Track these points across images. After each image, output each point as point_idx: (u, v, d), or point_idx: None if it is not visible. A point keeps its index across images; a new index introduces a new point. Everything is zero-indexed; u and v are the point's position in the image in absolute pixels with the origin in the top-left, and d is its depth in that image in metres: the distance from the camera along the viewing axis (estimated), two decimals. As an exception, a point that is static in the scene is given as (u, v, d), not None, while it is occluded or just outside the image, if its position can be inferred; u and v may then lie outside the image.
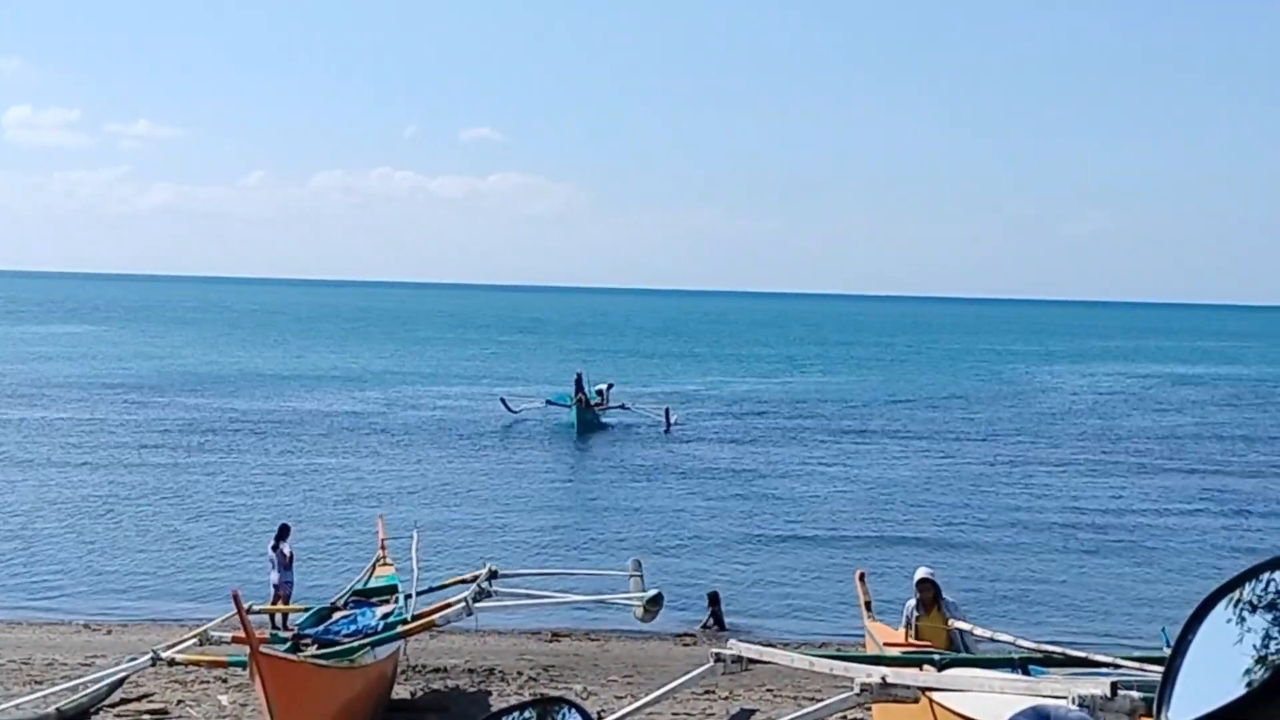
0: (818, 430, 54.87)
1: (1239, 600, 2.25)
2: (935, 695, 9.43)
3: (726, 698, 15.55)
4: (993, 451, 49.82)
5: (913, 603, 14.07)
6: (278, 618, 18.31)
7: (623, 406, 55.39)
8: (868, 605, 15.11)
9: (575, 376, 54.04)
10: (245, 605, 11.53)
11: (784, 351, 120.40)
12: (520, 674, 17.35)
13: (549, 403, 54.38)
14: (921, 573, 14.28)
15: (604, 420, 53.67)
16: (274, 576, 21.14)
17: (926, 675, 9.90)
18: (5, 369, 72.96)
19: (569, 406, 51.92)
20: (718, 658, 10.05)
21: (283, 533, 21.80)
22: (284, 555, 21.21)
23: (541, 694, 15.60)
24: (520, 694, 15.90)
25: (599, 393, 55.72)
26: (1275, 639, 2.10)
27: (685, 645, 20.91)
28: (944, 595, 14.11)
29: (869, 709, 11.90)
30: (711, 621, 22.54)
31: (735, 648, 10.22)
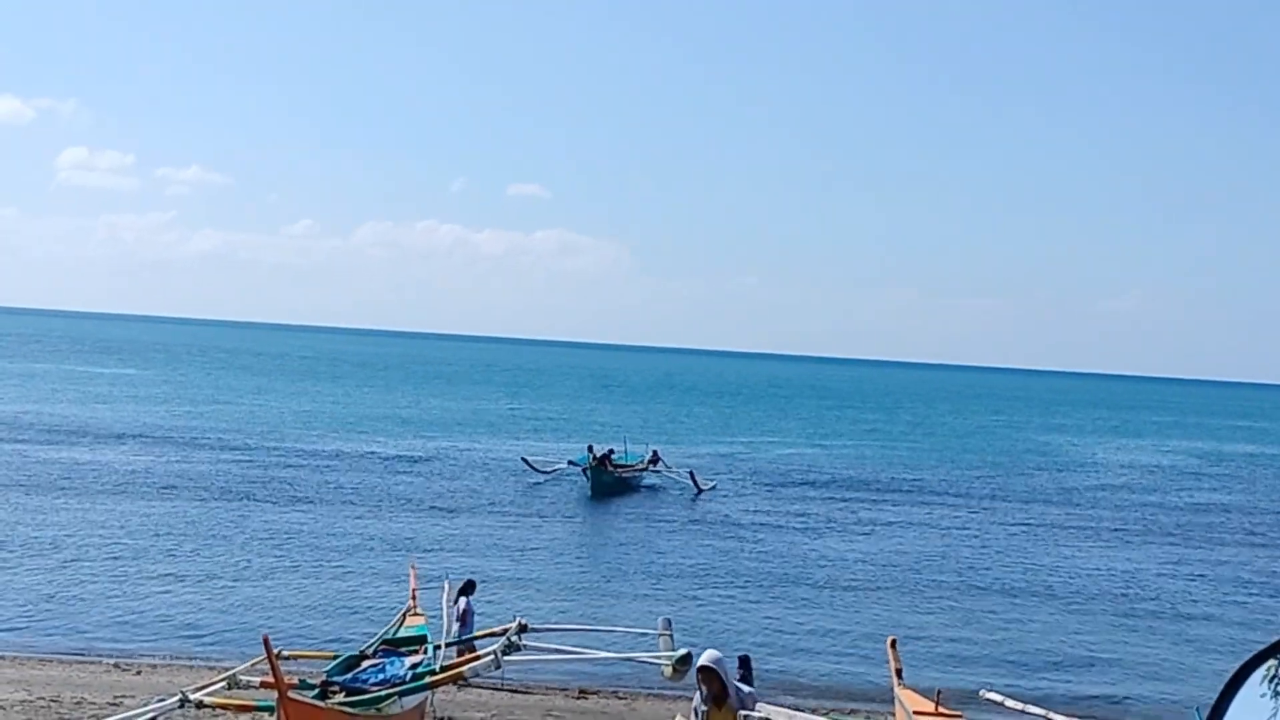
0: (851, 495, 54.74)
1: (1274, 675, 2.27)
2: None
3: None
4: (1025, 519, 49.69)
5: (698, 697, 11.59)
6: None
7: (652, 469, 55.27)
8: (899, 672, 15.00)
9: (608, 449, 53.60)
10: (275, 651, 11.53)
11: (819, 417, 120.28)
12: (546, 729, 17.29)
13: (571, 463, 54.31)
14: (703, 659, 11.51)
15: (631, 481, 53.55)
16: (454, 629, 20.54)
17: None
18: (50, 408, 73.50)
19: (587, 467, 51.79)
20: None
21: (467, 588, 21.79)
22: (459, 610, 21.03)
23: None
24: (546, 749, 15.83)
25: (653, 455, 55.64)
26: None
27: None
28: (736, 684, 11.57)
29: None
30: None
31: (764, 711, 10.18)
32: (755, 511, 47.65)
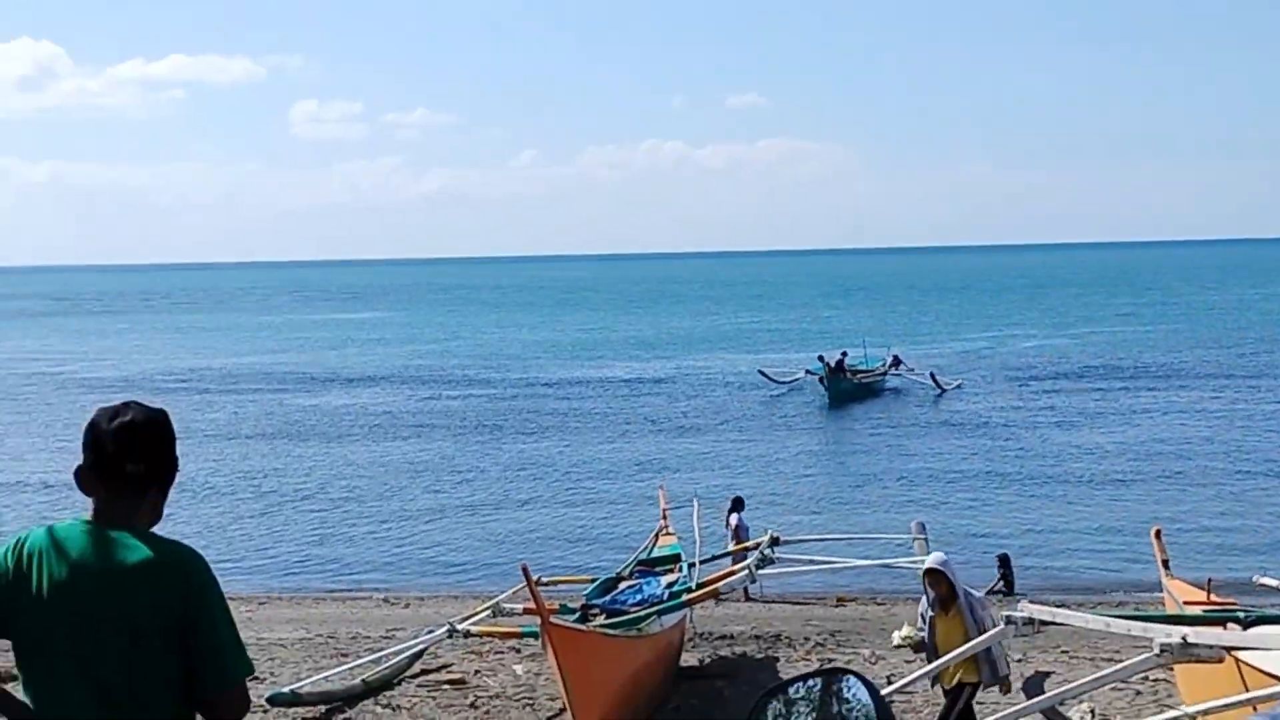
0: (1104, 384, 53.31)
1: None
2: (1241, 655, 9.03)
3: (1020, 660, 15.19)
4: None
5: (924, 601, 11.35)
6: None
7: (892, 372, 54.54)
8: (1165, 563, 14.55)
9: (839, 354, 52.96)
10: (535, 578, 11.75)
11: (1064, 306, 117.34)
12: (807, 639, 17.28)
13: (808, 372, 53.78)
14: (929, 561, 11.34)
15: (872, 386, 52.94)
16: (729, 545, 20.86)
17: (1231, 634, 9.50)
18: (306, 355, 76.26)
19: (822, 376, 51.21)
20: (1008, 620, 9.84)
21: (737, 504, 22.14)
22: (733, 528, 21.37)
23: (828, 661, 15.53)
24: (807, 660, 15.83)
25: (893, 359, 55.03)
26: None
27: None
28: (966, 589, 11.10)
29: (1171, 670, 11.49)
30: (1001, 584, 22.06)
31: (1026, 610, 9.99)
32: (1004, 408, 46.76)
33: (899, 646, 16.61)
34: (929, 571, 11.03)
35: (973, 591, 11.31)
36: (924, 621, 11.27)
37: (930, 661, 10.91)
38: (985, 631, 10.47)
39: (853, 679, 2.74)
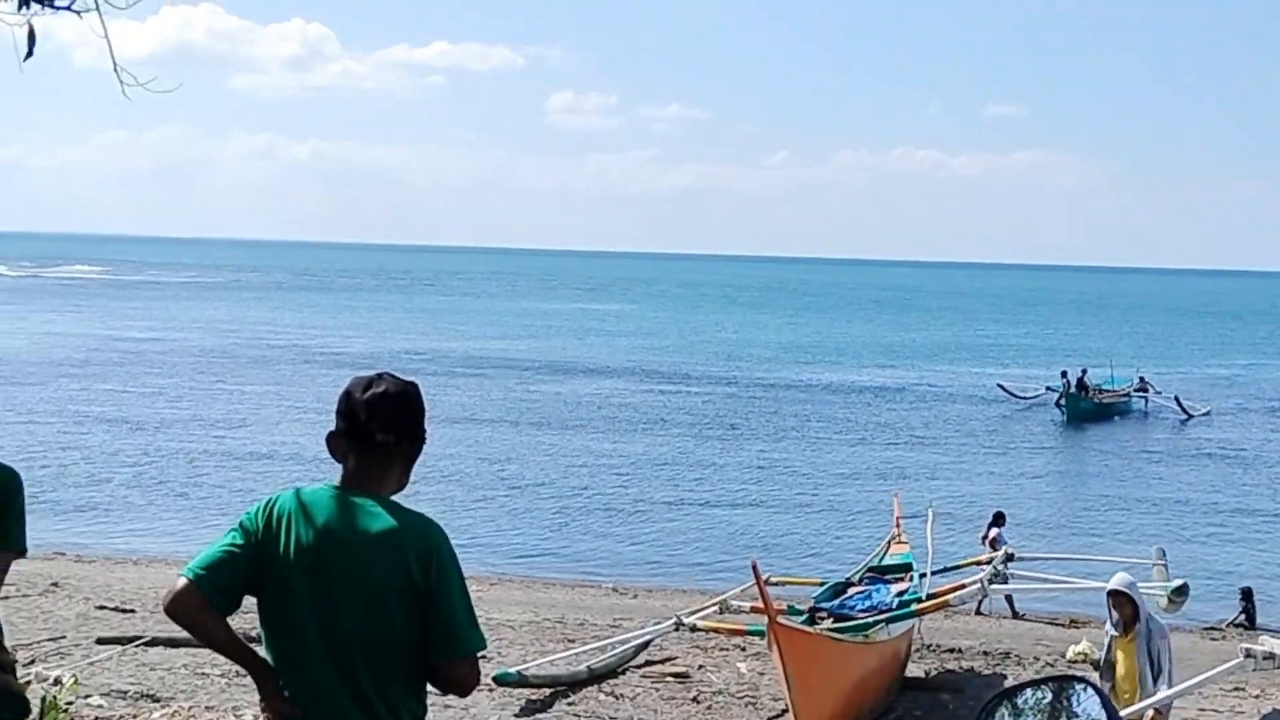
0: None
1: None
2: None
3: (1258, 696, 14.73)
4: None
5: (1108, 623, 10.86)
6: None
7: (1136, 394, 53.16)
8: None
9: (1079, 372, 51.93)
10: (764, 576, 11.81)
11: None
12: (1037, 659, 17.01)
13: (1049, 389, 52.68)
14: (1114, 582, 10.73)
15: (1114, 407, 51.60)
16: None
17: None
18: (553, 343, 77.68)
19: (1062, 394, 50.17)
20: (1248, 653, 9.62)
21: (998, 519, 22.16)
22: (990, 540, 21.35)
23: (1061, 671, 15.25)
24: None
25: (1140, 381, 53.78)
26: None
27: (1213, 640, 19.93)
28: (1151, 614, 10.63)
29: None
30: (1243, 618, 21.36)
31: (1268, 644, 9.73)
32: (1254, 440, 45.09)
33: (1073, 662, 16.39)
34: (1113, 593, 10.63)
35: (1156, 618, 10.92)
36: (1107, 640, 10.92)
37: (1103, 682, 10.68)
38: (1154, 661, 10.22)
39: (1087, 688, 2.75)
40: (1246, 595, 21.84)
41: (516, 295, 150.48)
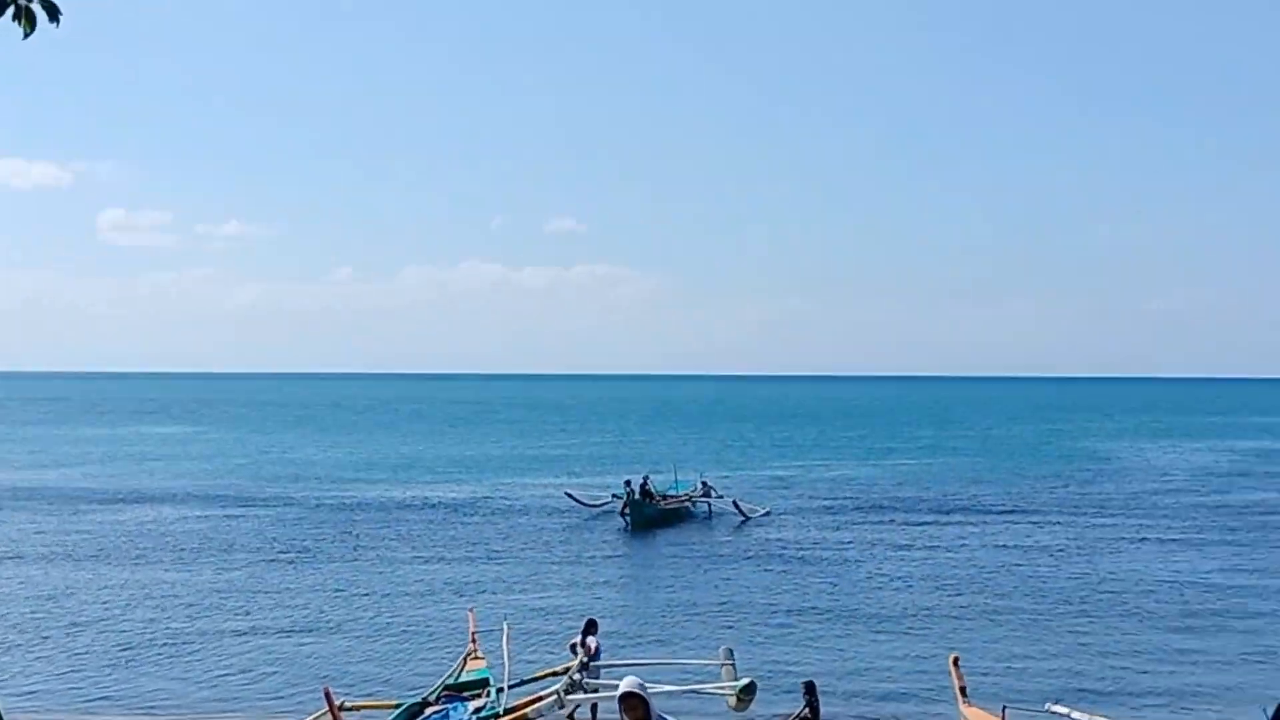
0: (907, 515, 54.49)
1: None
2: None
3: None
4: (1081, 529, 49.40)
5: None
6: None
7: (701, 498, 55.20)
8: (963, 690, 14.90)
9: (642, 479, 53.76)
10: (338, 702, 11.58)
11: (864, 436, 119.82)
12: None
13: (615, 496, 54.12)
14: (626, 685, 10.24)
15: (679, 511, 53.39)
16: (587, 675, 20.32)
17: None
18: (108, 470, 74.21)
19: (626, 502, 51.34)
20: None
21: (590, 627, 21.84)
22: (589, 649, 21.02)
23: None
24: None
25: (703, 485, 55.79)
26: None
27: (780, 734, 20.67)
28: (661, 714, 10.27)
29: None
30: (807, 712, 22.24)
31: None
32: (810, 537, 47.38)
33: None
34: (625, 696, 10.09)
35: (666, 718, 10.44)
36: None
37: None
38: None
39: None
40: (809, 689, 22.76)
41: (67, 421, 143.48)
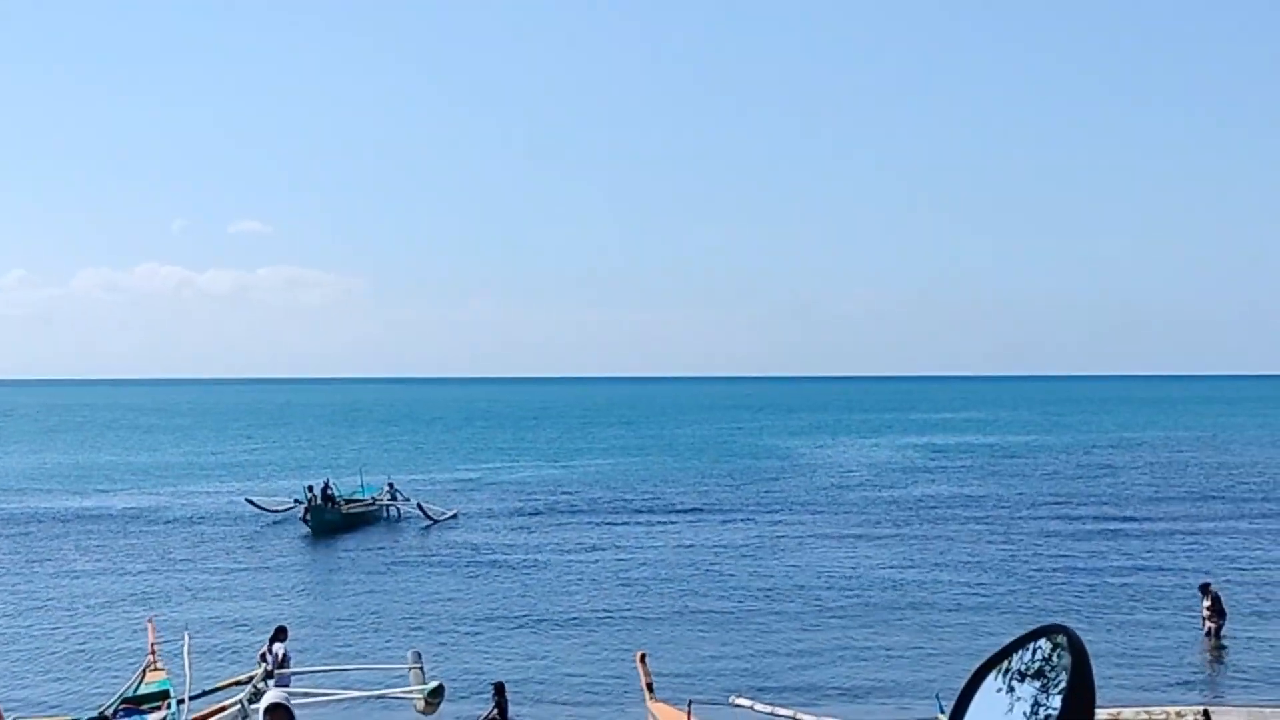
0: (591, 515, 55.06)
1: (1008, 670, 2.37)
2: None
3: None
4: (765, 525, 50.75)
5: None
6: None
7: (388, 501, 54.84)
8: (649, 686, 15.17)
9: (324, 483, 53.10)
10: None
11: (553, 438, 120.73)
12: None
13: (296, 501, 53.23)
14: (270, 698, 10.23)
15: (364, 515, 52.90)
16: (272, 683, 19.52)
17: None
18: None
19: (307, 507, 50.74)
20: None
21: (279, 634, 20.98)
22: (278, 657, 20.21)
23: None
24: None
25: (390, 488, 55.31)
26: (1042, 707, 2.24)
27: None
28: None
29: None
30: (496, 713, 22.32)
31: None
32: (498, 540, 47.48)
33: None
34: (270, 709, 9.79)
35: None
36: None
37: None
38: None
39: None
40: (498, 689, 22.85)
41: None
